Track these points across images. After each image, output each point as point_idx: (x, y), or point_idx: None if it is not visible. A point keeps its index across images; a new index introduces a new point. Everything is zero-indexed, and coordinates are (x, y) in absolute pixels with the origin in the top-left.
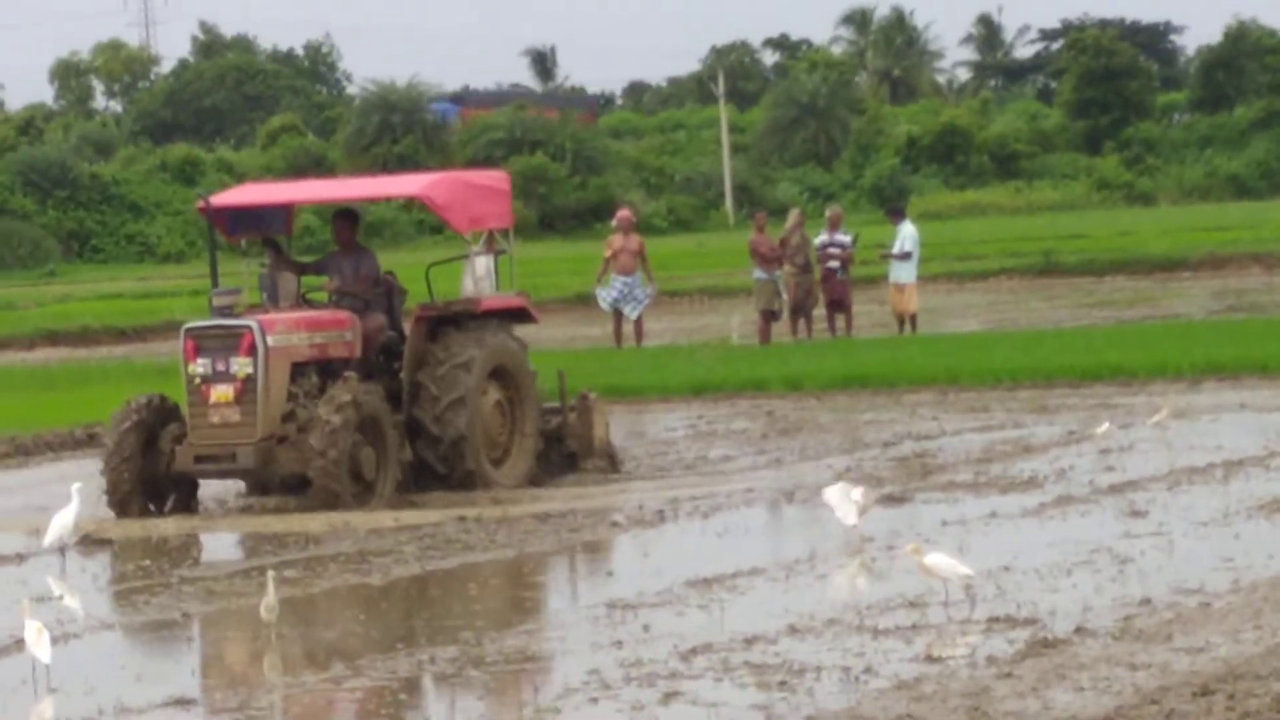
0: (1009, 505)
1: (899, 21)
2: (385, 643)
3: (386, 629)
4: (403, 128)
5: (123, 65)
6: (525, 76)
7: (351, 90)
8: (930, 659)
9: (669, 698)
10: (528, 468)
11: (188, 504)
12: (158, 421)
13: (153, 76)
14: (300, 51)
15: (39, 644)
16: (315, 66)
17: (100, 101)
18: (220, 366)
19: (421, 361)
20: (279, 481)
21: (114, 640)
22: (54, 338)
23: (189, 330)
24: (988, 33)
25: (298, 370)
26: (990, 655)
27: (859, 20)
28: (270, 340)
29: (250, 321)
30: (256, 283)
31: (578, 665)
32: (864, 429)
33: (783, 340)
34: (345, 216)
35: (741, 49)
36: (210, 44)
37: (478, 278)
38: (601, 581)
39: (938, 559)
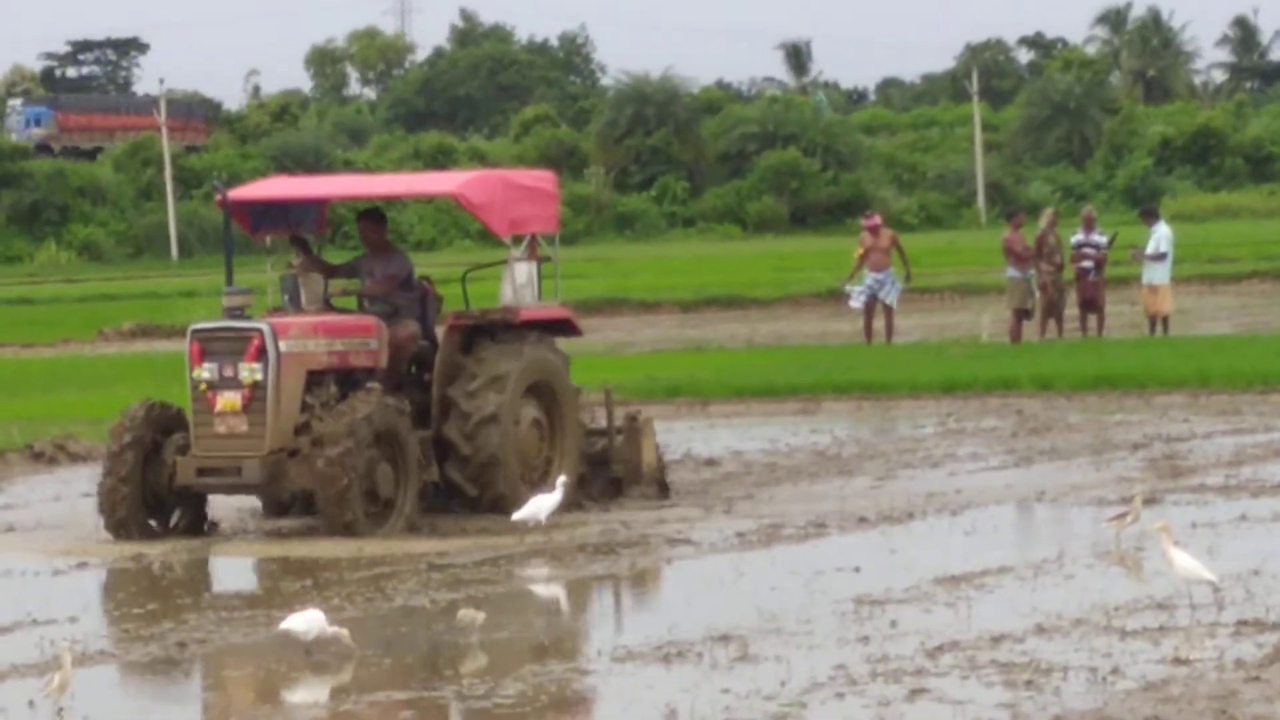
0: (1260, 509)
1: (1154, 22)
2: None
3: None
4: (656, 120)
5: (378, 53)
6: (779, 71)
7: (605, 82)
8: (1178, 661)
9: (915, 695)
10: (564, 496)
11: (195, 521)
12: (160, 431)
13: (407, 64)
14: (555, 42)
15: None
16: (570, 57)
17: (354, 88)
18: (227, 372)
19: (453, 375)
20: (290, 498)
21: None
22: None
23: (195, 332)
24: (1244, 35)
25: (314, 379)
26: (1238, 659)
27: (1114, 20)
28: (283, 345)
29: (261, 324)
30: (279, 284)
31: (824, 660)
32: (1114, 430)
33: (1033, 340)
34: (372, 216)
35: (996, 47)
36: (468, 32)
37: (518, 286)
38: (848, 578)
39: (1183, 560)
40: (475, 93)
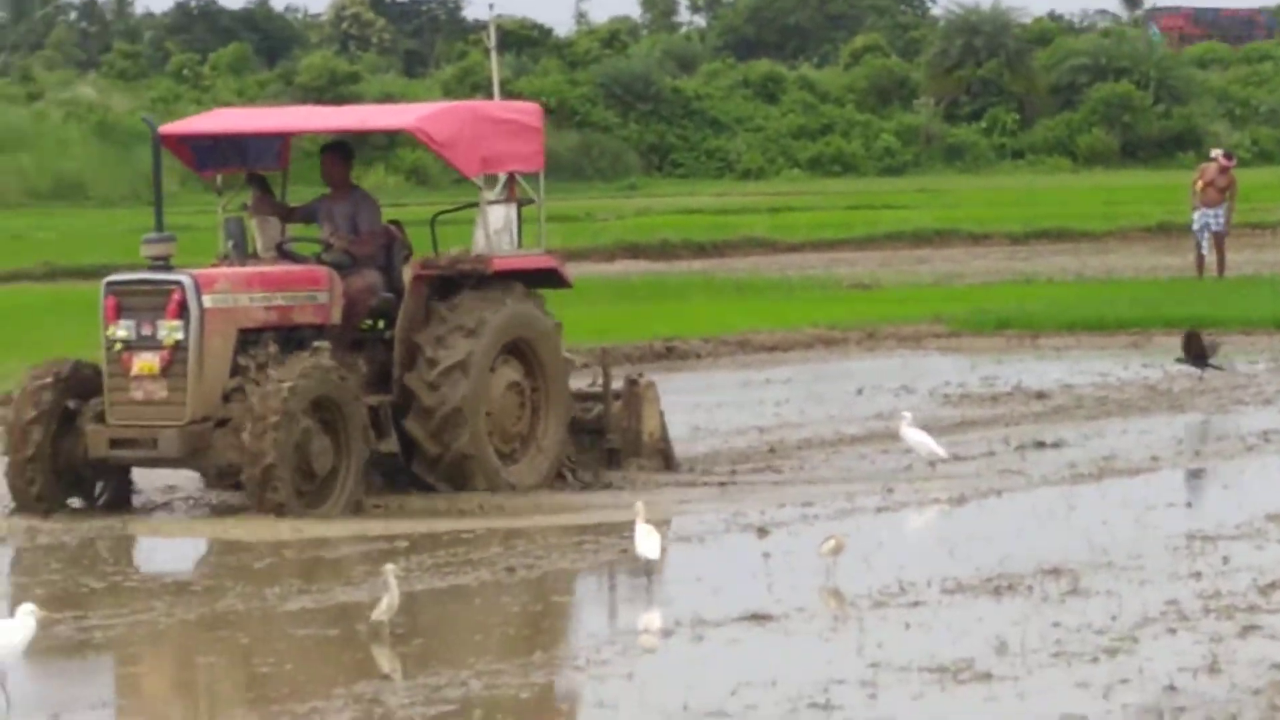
0: None
1: None
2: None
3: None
4: (986, 51)
5: None
6: (1111, 2)
7: (935, 12)
8: None
9: (1247, 631)
10: (548, 468)
11: (121, 495)
12: (76, 395)
13: None
14: None
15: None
16: None
17: (684, 16)
18: (145, 330)
19: (417, 329)
20: (216, 474)
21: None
22: (634, 250)
23: (109, 285)
24: None
25: (250, 338)
26: None
27: None
28: (208, 300)
29: (181, 276)
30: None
31: (1155, 595)
32: None
33: None
34: (335, 151)
35: None
36: None
37: (492, 231)
38: (1180, 513)
39: None
40: (805, 21)
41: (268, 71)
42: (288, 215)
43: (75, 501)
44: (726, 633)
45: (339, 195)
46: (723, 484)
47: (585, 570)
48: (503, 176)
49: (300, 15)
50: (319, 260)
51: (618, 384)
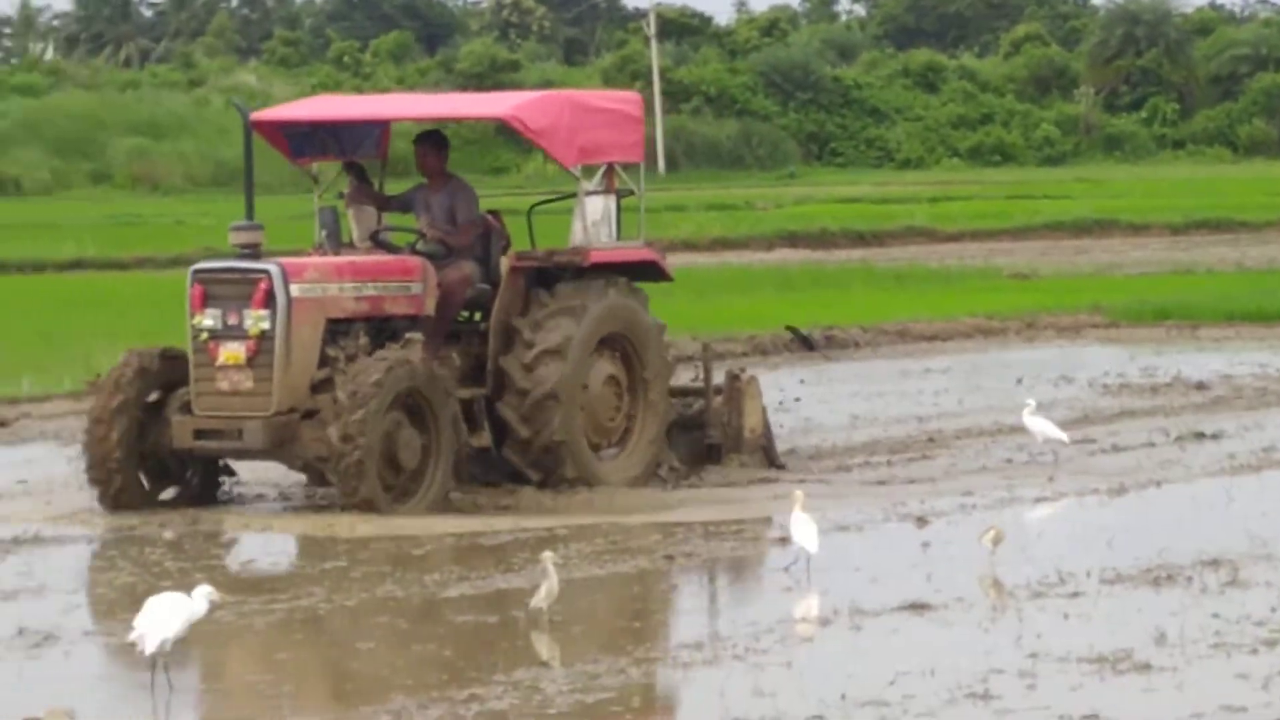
0: None
1: None
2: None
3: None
4: (1146, 41)
5: None
6: None
7: (1096, 1)
8: None
9: None
10: (642, 467)
11: (209, 487)
12: (162, 384)
13: None
14: None
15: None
16: None
17: (844, 4)
18: (231, 320)
19: (519, 313)
20: (302, 467)
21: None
22: (792, 239)
23: (196, 273)
24: None
25: (339, 329)
26: None
27: None
28: (295, 289)
29: (269, 265)
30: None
31: None
32: None
33: None
34: (430, 140)
35: None
36: None
37: (590, 223)
38: None
39: None
40: (965, 10)
41: (428, 59)
42: (384, 204)
43: (168, 493)
44: (885, 622)
45: (436, 185)
46: (882, 482)
47: (743, 559)
48: (602, 167)
49: (461, 3)
50: (413, 250)
51: (719, 378)
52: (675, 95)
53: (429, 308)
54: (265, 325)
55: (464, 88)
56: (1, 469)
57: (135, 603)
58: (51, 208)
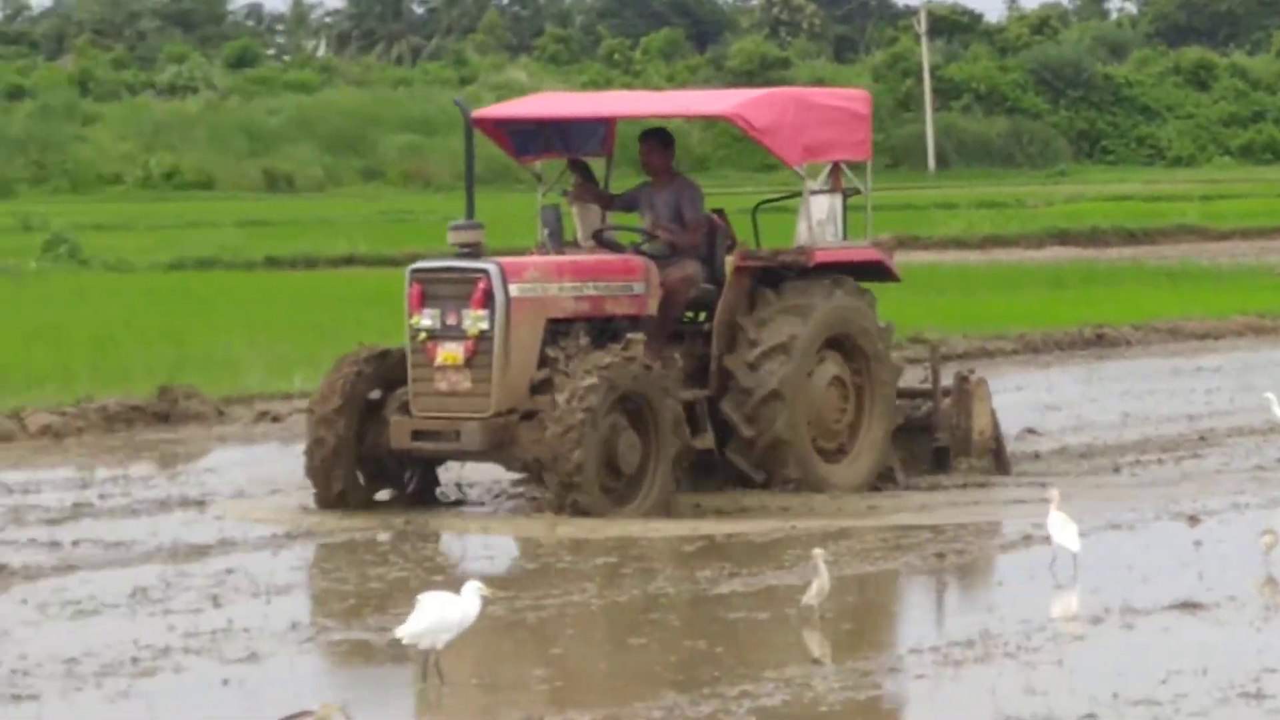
0: None
1: None
2: None
3: None
4: None
5: None
6: None
7: None
8: None
9: None
10: (868, 471)
11: (427, 488)
12: (382, 383)
13: None
14: None
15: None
16: None
17: (1115, 2)
18: (450, 320)
19: (744, 311)
20: (520, 469)
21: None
22: (1063, 237)
23: (414, 272)
24: None
25: (560, 329)
26: None
27: None
28: (514, 289)
29: (488, 265)
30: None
31: None
32: None
33: None
34: (654, 137)
35: None
36: None
37: (815, 222)
38: None
39: None
40: (1237, 7)
41: (697, 56)
42: (608, 203)
43: (383, 494)
44: (1156, 621)
45: (660, 183)
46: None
47: (1013, 557)
48: (827, 165)
49: (731, 1)
50: (637, 250)
51: (947, 380)
52: (945, 92)
53: (651, 308)
54: (484, 325)
55: (734, 86)
56: (274, 462)
57: (403, 599)
58: (324, 204)
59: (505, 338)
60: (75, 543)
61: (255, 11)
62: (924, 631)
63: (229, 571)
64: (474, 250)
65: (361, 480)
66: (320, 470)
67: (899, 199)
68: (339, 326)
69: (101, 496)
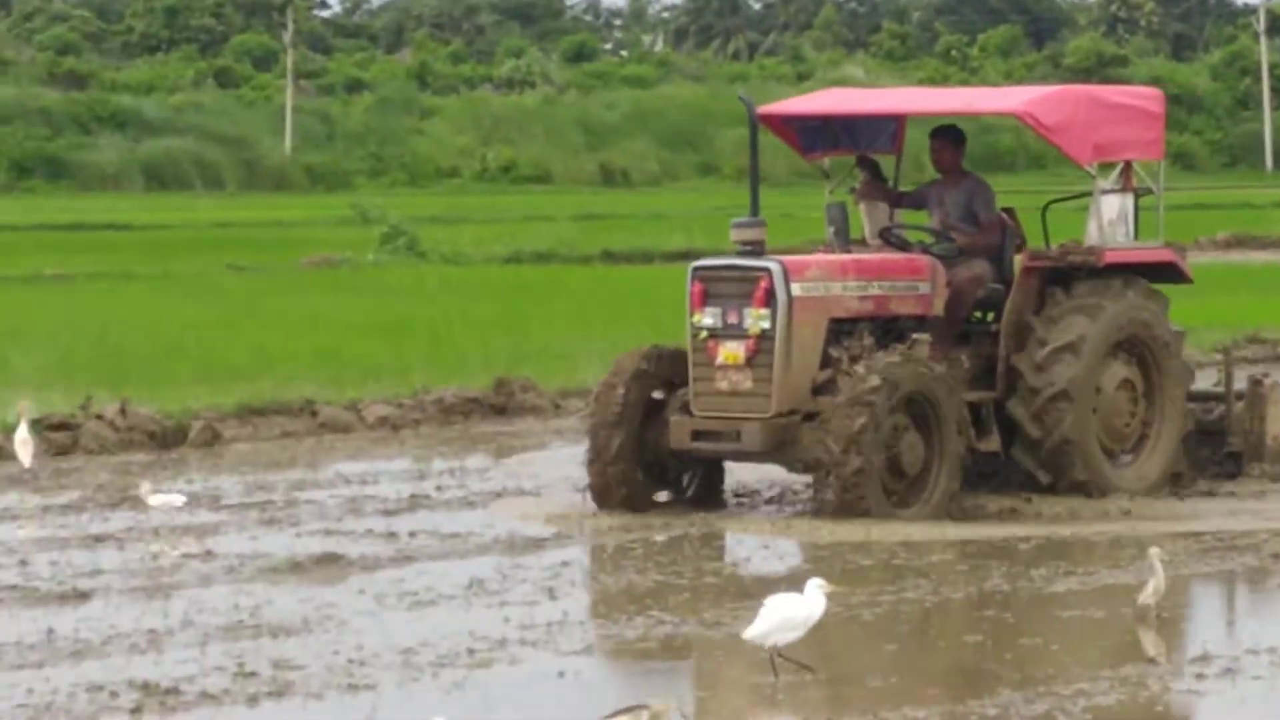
0: None
1: None
2: None
3: None
4: None
5: None
6: None
7: None
8: None
9: None
10: (1161, 470)
11: (709, 488)
12: (664, 382)
13: None
14: None
15: None
16: None
17: None
18: (731, 319)
19: (1033, 311)
20: (802, 469)
21: None
22: None
23: (696, 270)
24: None
25: (843, 329)
26: None
27: None
28: (796, 288)
29: (769, 263)
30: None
31: None
32: None
33: None
34: (945, 135)
35: None
36: None
37: (1105, 222)
38: None
39: None
40: None
41: (1034, 54)
42: (896, 201)
43: (661, 495)
44: None
45: (950, 181)
46: None
47: None
48: (1119, 164)
49: None
50: (925, 249)
51: (1241, 384)
52: None
53: (937, 308)
54: (765, 324)
55: (1070, 83)
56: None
57: (738, 595)
58: (659, 199)
59: (787, 337)
60: (412, 534)
61: (593, 6)
62: (1260, 632)
63: (564, 564)
64: (756, 248)
65: (642, 481)
66: (602, 477)
67: (1237, 198)
68: (674, 321)
69: (438, 488)
